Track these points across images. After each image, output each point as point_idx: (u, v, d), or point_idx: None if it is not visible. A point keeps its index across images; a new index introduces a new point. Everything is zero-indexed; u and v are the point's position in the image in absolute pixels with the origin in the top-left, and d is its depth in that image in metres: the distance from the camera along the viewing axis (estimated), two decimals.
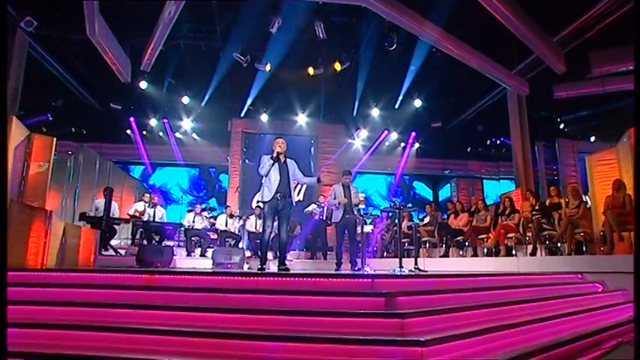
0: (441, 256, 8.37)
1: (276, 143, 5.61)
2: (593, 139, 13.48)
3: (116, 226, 8.61)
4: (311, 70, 10.25)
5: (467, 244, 8.12)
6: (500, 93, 11.13)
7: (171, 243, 9.57)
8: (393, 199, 6.34)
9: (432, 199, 15.20)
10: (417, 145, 14.51)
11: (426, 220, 8.90)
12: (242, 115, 13.07)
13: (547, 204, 7.79)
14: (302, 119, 13.31)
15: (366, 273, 4.06)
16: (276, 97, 12.49)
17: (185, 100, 12.10)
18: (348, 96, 12.06)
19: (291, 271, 4.55)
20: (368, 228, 7.55)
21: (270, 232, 5.56)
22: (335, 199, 7.00)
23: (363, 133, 13.90)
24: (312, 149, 13.63)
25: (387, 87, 11.47)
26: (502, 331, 2.60)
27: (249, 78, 11.48)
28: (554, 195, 7.86)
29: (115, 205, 8.56)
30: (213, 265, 8.17)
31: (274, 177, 5.45)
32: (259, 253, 10.03)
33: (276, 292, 2.90)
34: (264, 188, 5.50)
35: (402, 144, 14.50)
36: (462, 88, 11.33)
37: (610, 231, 6.24)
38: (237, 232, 10.11)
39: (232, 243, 9.82)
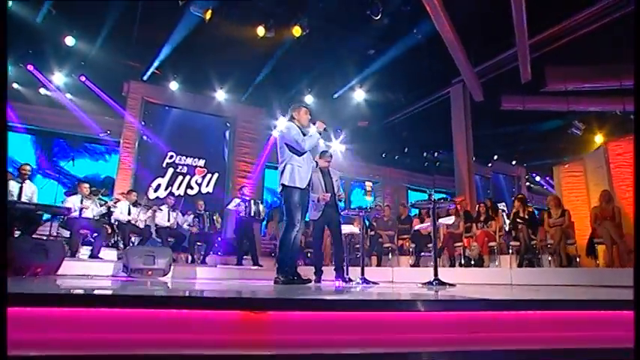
0: (411, 265, 7.33)
1: (304, 112, 4.12)
2: (496, 157, 14.40)
3: None
4: (261, 31, 8.28)
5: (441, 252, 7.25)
6: (443, 96, 10.84)
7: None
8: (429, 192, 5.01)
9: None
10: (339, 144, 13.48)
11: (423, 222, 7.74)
12: (145, 78, 10.16)
13: (512, 215, 7.41)
14: (220, 96, 11.02)
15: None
16: (193, 63, 10.00)
17: (69, 41, 8.76)
18: (287, 74, 10.32)
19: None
20: (348, 228, 6.00)
21: (299, 231, 3.73)
22: (312, 190, 5.32)
23: (283, 122, 12.28)
24: (228, 133, 11.40)
25: (334, 70, 10.13)
26: None
27: (166, 29, 8.88)
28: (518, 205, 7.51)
29: None
30: (124, 270, 5.60)
31: (307, 160, 3.96)
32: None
33: None
34: (296, 169, 3.83)
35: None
36: (409, 85, 10.68)
37: (611, 242, 5.96)
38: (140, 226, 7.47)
39: (138, 241, 7.19)
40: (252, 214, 8.00)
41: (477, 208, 7.50)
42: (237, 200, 8.13)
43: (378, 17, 7.21)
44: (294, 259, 3.88)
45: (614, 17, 7.35)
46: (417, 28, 7.98)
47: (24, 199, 5.97)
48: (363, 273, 5.01)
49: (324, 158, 5.34)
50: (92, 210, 6.77)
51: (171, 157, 10.49)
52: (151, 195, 10.01)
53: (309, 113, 4.02)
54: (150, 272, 5.60)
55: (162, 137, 10.43)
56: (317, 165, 5.27)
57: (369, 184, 5.22)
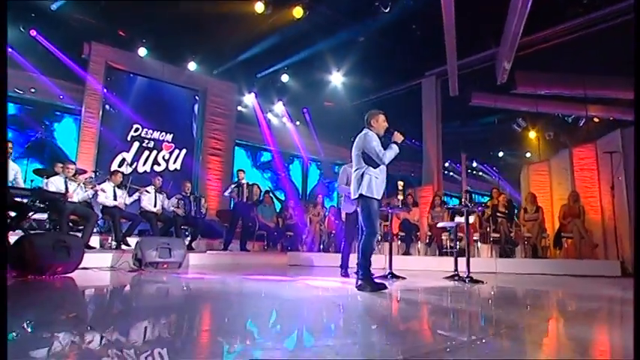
0: (403, 254, 7.76)
1: (382, 120, 4.01)
2: None
3: None
4: (260, 7, 7.83)
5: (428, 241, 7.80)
6: (414, 87, 11.25)
7: None
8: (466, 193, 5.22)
9: (300, 185, 14.46)
10: (297, 122, 13.44)
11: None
12: (109, 40, 9.10)
13: (492, 207, 8.14)
14: (191, 66, 10.28)
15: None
16: (168, 28, 9.13)
17: None
18: (266, 50, 9.86)
19: None
20: None
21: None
22: (347, 183, 5.44)
23: (249, 99, 11.90)
24: (197, 107, 10.75)
25: (315, 52, 9.95)
26: None
27: None
28: (495, 197, 8.29)
29: None
30: (136, 263, 5.21)
31: (382, 169, 3.94)
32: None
33: None
34: (373, 180, 3.82)
35: (285, 119, 13.17)
36: (383, 71, 10.84)
37: (579, 237, 6.89)
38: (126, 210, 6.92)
39: (127, 226, 6.67)
40: (246, 199, 7.82)
41: (459, 201, 8.12)
42: (232, 185, 7.91)
43: (388, 10, 7.24)
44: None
45: (583, 34, 8.21)
46: (413, 18, 8.09)
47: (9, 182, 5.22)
48: (391, 267, 5.26)
49: None
50: (77, 194, 6.09)
51: (137, 129, 9.68)
52: (118, 169, 9.18)
53: (387, 120, 4.01)
54: (165, 265, 5.30)
55: (127, 107, 9.53)
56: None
57: (400, 184, 5.38)
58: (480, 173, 18.42)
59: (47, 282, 3.81)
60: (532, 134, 13.23)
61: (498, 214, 7.59)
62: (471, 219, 5.87)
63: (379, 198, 3.84)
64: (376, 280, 3.76)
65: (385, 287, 3.68)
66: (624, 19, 7.82)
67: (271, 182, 13.59)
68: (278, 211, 10.03)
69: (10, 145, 5.35)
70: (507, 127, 12.39)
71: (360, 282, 3.68)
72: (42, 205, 5.41)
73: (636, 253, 5.19)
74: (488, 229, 7.64)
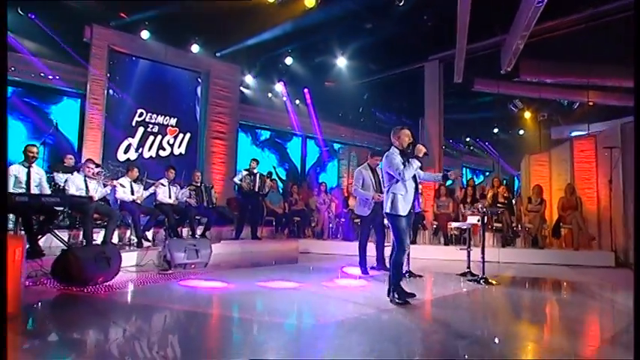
0: (410, 243, 8.08)
1: (405, 135, 4.10)
2: None
3: None
4: None
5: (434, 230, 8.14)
6: (416, 70, 11.26)
7: None
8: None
9: (299, 164, 14.59)
10: (297, 101, 13.40)
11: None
12: (111, 23, 8.83)
13: (492, 196, 8.48)
14: (194, 48, 10.07)
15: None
16: (169, 10, 8.85)
17: None
18: (270, 32, 9.67)
19: None
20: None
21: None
22: (362, 187, 5.68)
23: (250, 79, 11.77)
24: (199, 90, 10.60)
25: (320, 36, 9.85)
26: None
27: None
28: (496, 186, 8.62)
29: None
30: (164, 264, 5.41)
31: (409, 185, 4.02)
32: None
33: None
34: (398, 198, 3.97)
35: (284, 98, 13.11)
36: (387, 53, 10.78)
37: (577, 229, 7.30)
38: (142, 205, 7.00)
39: (146, 220, 6.80)
40: (257, 189, 7.99)
41: (464, 191, 8.43)
42: (244, 172, 8.03)
43: (402, 3, 7.18)
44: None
45: (591, 24, 8.33)
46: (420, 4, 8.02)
47: (33, 185, 5.26)
48: (408, 265, 5.56)
49: (374, 157, 5.68)
50: (96, 191, 6.14)
51: (141, 114, 9.57)
52: (121, 157, 9.19)
53: (411, 135, 4.13)
54: (193, 266, 5.51)
55: (130, 92, 9.39)
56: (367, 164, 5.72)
57: (420, 187, 5.60)
58: (472, 148, 18.78)
59: (100, 295, 3.98)
60: (527, 114, 13.59)
61: (499, 205, 7.92)
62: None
63: (405, 215, 4.00)
64: (405, 291, 4.05)
65: (414, 295, 4.02)
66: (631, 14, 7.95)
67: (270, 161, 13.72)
68: (281, 193, 10.27)
69: (35, 150, 5.33)
70: (504, 108, 12.62)
71: (391, 293, 3.99)
72: (67, 206, 5.54)
73: (636, 251, 5.53)
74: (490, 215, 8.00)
